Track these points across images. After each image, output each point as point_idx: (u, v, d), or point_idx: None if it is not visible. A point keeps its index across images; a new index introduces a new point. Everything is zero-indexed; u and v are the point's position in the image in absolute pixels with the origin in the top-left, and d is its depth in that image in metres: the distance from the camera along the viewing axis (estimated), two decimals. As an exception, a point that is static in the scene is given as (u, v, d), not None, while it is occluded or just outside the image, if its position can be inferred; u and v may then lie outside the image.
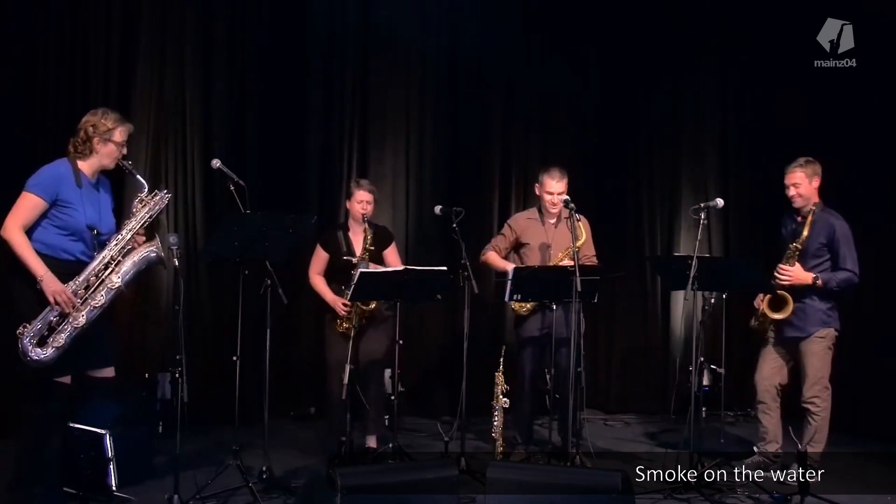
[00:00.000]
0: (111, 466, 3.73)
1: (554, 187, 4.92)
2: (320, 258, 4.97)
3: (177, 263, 3.84)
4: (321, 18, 6.41)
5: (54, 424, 3.78)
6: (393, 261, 4.99)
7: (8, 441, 4.49)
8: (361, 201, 4.90)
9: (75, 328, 3.68)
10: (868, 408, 5.87)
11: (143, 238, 3.92)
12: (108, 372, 3.95)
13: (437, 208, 4.97)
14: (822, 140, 5.95)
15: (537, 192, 5.07)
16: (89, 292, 3.73)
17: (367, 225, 4.85)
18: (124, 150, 3.95)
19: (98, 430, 3.76)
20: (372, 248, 4.81)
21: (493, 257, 5.07)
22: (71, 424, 3.80)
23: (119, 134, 3.90)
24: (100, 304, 3.74)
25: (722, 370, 5.82)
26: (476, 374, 5.07)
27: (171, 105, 5.86)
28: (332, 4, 6.44)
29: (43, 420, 3.78)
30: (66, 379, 3.79)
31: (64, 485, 3.83)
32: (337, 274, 4.89)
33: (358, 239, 4.90)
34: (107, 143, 3.87)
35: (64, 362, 3.70)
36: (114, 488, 3.74)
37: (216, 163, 4.32)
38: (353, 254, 4.87)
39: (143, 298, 5.75)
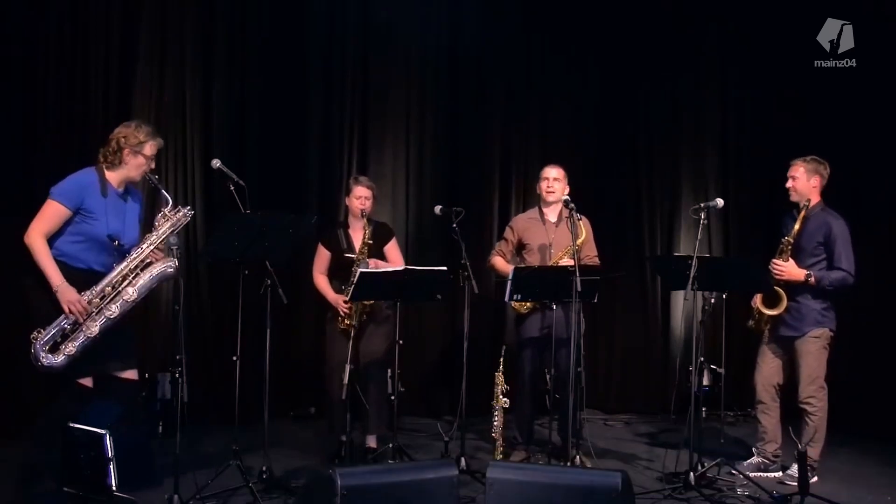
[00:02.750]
0: (111, 466, 3.72)
1: (549, 173, 4.99)
2: (322, 257, 4.98)
3: (177, 263, 3.85)
4: (321, 18, 6.41)
5: (65, 424, 3.81)
6: (394, 256, 5.00)
7: (8, 441, 4.53)
8: (360, 197, 4.91)
9: (88, 337, 3.73)
10: (868, 408, 5.87)
11: (162, 253, 3.94)
12: (132, 374, 4.00)
13: (437, 208, 4.97)
14: (822, 140, 5.95)
15: (538, 191, 5.08)
16: (104, 303, 3.77)
17: (366, 221, 4.85)
18: (153, 165, 4.01)
19: (98, 430, 3.75)
20: (370, 241, 4.81)
21: (499, 262, 5.07)
22: (71, 424, 3.80)
23: (149, 148, 3.96)
24: (113, 315, 3.78)
25: (722, 370, 5.83)
26: (476, 374, 5.08)
27: (171, 105, 5.85)
28: (332, 4, 6.44)
29: (55, 420, 3.81)
30: (89, 381, 3.85)
31: (64, 485, 3.83)
32: (338, 271, 4.90)
33: (358, 235, 4.90)
34: (137, 155, 3.93)
35: (83, 364, 3.76)
36: (114, 488, 3.72)
37: (216, 163, 4.32)
38: (353, 250, 4.87)
39: (144, 298, 5.73)
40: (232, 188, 4.14)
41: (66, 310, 3.69)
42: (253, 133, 6.18)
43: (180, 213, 3.98)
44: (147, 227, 4.09)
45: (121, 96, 5.66)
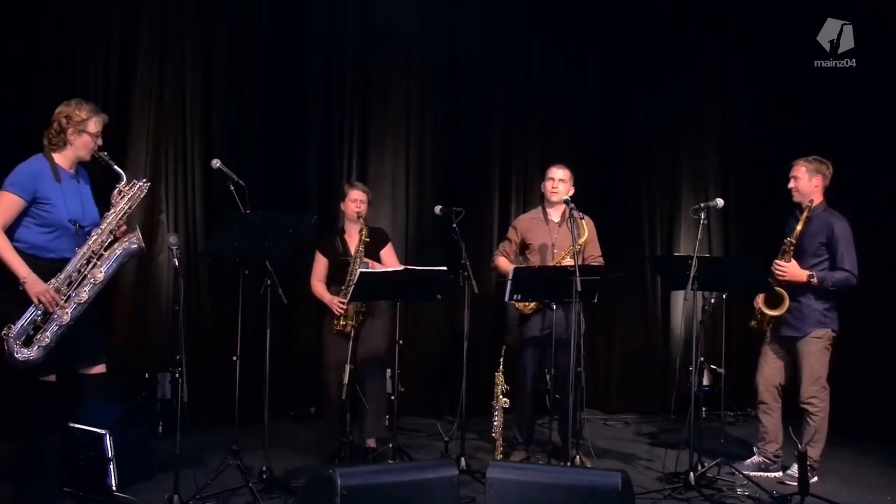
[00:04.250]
0: (111, 466, 3.73)
1: (554, 174, 4.98)
2: (320, 264, 4.99)
3: (177, 263, 3.83)
4: (321, 18, 6.40)
5: (47, 423, 3.79)
6: (390, 261, 4.99)
7: (8, 441, 4.52)
8: (355, 200, 4.93)
9: (60, 326, 3.68)
10: (868, 408, 5.87)
11: (124, 228, 3.90)
12: (100, 368, 3.95)
13: (437, 208, 4.98)
14: (823, 140, 5.95)
15: (542, 190, 5.09)
16: (72, 289, 3.72)
17: (362, 224, 4.86)
18: (99, 142, 3.92)
19: (98, 430, 3.75)
20: (367, 240, 4.83)
21: (502, 263, 5.07)
22: (71, 424, 3.80)
23: (93, 125, 3.86)
24: (84, 300, 3.73)
25: (722, 370, 5.83)
26: (476, 374, 5.08)
27: (171, 105, 5.85)
28: (332, 4, 6.43)
29: (35, 419, 3.79)
30: (52, 377, 3.79)
31: (64, 485, 3.83)
32: (337, 275, 4.90)
33: (354, 240, 4.91)
34: (81, 133, 3.84)
35: (49, 362, 3.71)
36: (114, 488, 3.73)
37: (216, 163, 4.32)
38: (349, 254, 4.88)
39: (143, 298, 5.75)
40: (232, 188, 4.14)
41: (36, 301, 3.63)
42: (253, 133, 6.17)
43: (136, 188, 3.93)
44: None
45: (121, 96, 5.66)
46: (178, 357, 3.81)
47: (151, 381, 5.44)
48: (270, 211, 4.40)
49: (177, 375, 3.83)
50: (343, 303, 4.74)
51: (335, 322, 4.80)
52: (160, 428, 5.35)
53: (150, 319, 5.77)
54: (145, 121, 5.73)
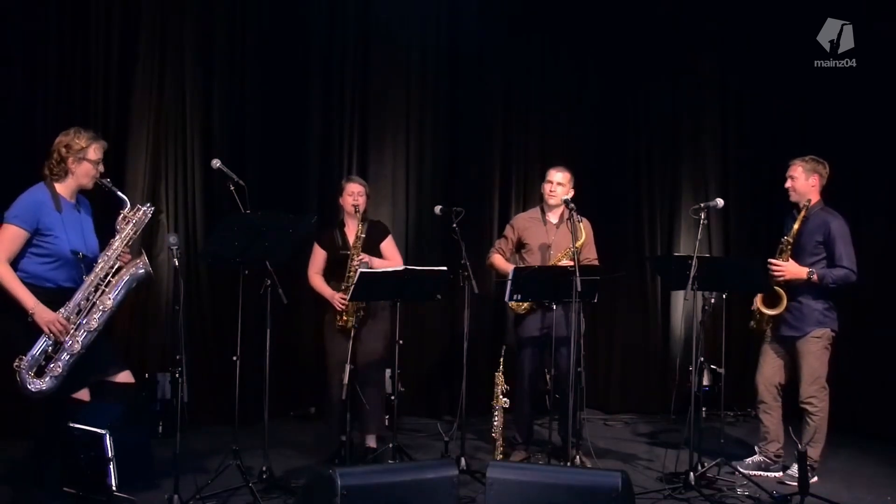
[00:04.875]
0: (111, 466, 3.73)
1: (553, 176, 4.98)
2: (318, 256, 4.98)
3: (177, 263, 3.83)
4: (321, 18, 6.40)
5: (59, 426, 3.79)
6: (390, 253, 5.00)
7: (9, 441, 4.53)
8: (352, 193, 4.93)
9: (72, 355, 3.67)
10: (868, 408, 5.87)
11: (129, 256, 3.88)
12: (126, 377, 3.96)
13: (437, 208, 4.98)
14: (822, 140, 5.96)
15: (541, 191, 5.08)
16: (81, 317, 3.71)
17: (360, 218, 4.86)
18: (101, 168, 3.89)
19: (98, 430, 3.75)
20: (363, 236, 4.83)
21: (498, 260, 5.08)
22: (71, 424, 3.80)
23: (93, 152, 3.84)
24: (94, 327, 3.73)
25: (722, 370, 5.81)
26: (476, 374, 5.08)
27: (171, 105, 5.85)
28: (333, 4, 6.44)
29: (49, 424, 3.79)
30: (84, 395, 3.81)
31: (64, 485, 3.83)
32: (335, 269, 4.90)
33: (353, 234, 4.91)
34: (81, 162, 3.81)
35: (69, 383, 3.71)
36: (114, 488, 3.73)
37: (216, 163, 4.32)
38: (348, 248, 4.87)
39: (143, 298, 5.75)
40: (232, 188, 4.14)
41: (47, 330, 3.62)
42: (253, 133, 6.17)
43: (140, 213, 3.90)
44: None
45: (121, 96, 5.66)
46: (178, 357, 3.82)
47: (151, 381, 5.44)
48: (270, 211, 4.40)
49: (177, 375, 3.84)
50: (345, 299, 4.74)
51: (337, 318, 4.80)
52: (160, 428, 5.35)
53: (150, 319, 5.77)
54: (145, 121, 5.73)
